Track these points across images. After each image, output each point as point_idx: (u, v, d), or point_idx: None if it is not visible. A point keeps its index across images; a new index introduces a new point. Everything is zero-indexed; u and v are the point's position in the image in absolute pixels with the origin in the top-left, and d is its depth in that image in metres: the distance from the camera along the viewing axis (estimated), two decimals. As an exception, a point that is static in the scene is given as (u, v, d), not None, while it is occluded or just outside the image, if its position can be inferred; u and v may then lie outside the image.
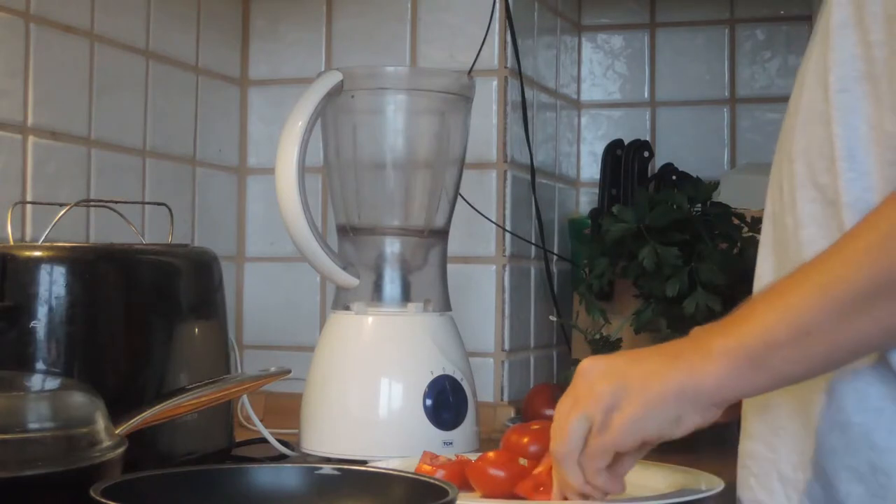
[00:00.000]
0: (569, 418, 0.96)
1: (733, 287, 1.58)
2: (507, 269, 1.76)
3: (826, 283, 0.85)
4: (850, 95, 0.91)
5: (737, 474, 1.02)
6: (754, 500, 0.99)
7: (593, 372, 0.96)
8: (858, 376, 0.90)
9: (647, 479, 1.15)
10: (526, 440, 1.18)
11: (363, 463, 1.16)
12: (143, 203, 1.59)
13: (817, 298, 0.85)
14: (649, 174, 1.94)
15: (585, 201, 2.09)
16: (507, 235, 1.76)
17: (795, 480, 0.95)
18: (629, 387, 0.93)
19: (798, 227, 0.94)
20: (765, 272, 1.01)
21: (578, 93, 2.11)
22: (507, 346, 1.75)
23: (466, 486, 1.11)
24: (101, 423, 0.92)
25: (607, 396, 0.94)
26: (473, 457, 1.15)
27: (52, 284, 1.12)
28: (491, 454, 1.12)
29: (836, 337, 0.85)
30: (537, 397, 1.58)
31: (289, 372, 1.19)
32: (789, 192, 0.96)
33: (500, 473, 1.09)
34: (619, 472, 0.97)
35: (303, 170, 1.35)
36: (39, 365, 1.10)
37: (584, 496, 0.98)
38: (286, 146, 1.35)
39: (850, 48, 0.91)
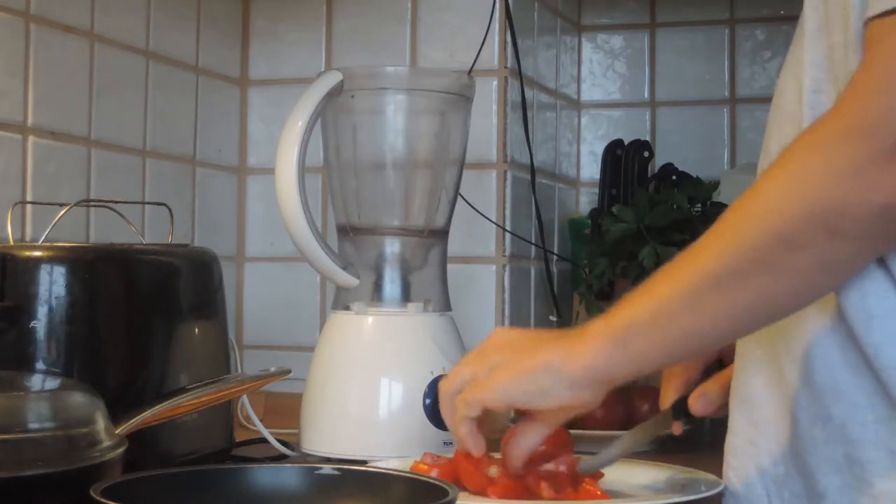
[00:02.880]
0: (460, 368, 1.05)
1: (733, 287, 1.58)
2: (507, 269, 1.76)
3: (681, 271, 0.90)
4: (823, 96, 0.93)
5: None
6: (734, 493, 1.00)
7: (496, 339, 1.05)
8: (835, 370, 0.91)
9: (648, 479, 1.16)
10: (526, 440, 1.18)
11: (363, 463, 1.16)
12: (143, 203, 1.59)
13: (673, 284, 0.90)
14: (649, 174, 1.94)
15: (585, 201, 2.09)
16: (507, 235, 1.76)
17: (775, 474, 0.96)
18: (512, 356, 1.00)
19: None
20: None
21: (578, 93, 2.11)
22: (507, 346, 1.75)
23: (462, 485, 1.10)
24: (101, 423, 0.92)
25: (493, 360, 1.01)
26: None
27: (52, 284, 1.12)
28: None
29: (686, 323, 0.90)
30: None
31: (289, 372, 1.19)
32: None
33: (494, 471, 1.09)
34: (485, 431, 1.04)
35: (303, 170, 1.35)
36: (39, 365, 1.10)
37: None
38: (286, 146, 1.35)
39: (821, 51, 0.93)
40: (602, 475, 1.14)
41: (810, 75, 0.93)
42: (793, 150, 0.87)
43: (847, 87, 0.85)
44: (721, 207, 1.70)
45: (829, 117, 0.85)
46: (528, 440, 1.03)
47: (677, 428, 1.16)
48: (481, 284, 1.75)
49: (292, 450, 1.40)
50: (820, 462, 0.92)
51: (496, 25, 1.76)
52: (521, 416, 1.04)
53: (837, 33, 0.91)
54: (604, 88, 2.11)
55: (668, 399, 1.16)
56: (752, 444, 0.99)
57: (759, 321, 0.91)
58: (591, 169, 2.09)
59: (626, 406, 1.53)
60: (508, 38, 1.76)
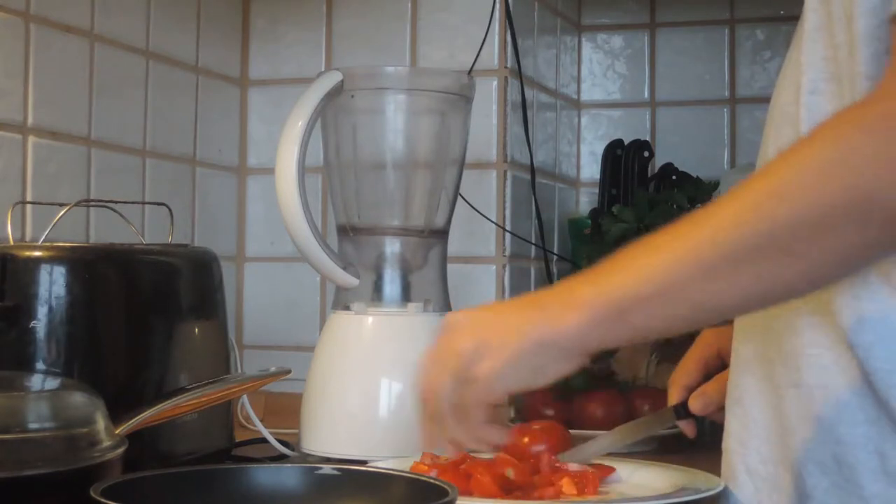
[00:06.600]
0: (436, 379, 0.96)
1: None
2: (507, 269, 1.76)
3: (691, 242, 0.85)
4: (819, 97, 0.92)
5: None
6: (728, 493, 1.01)
7: (455, 327, 0.97)
8: (825, 371, 0.91)
9: (647, 479, 1.16)
10: (526, 440, 1.18)
11: (363, 463, 1.16)
12: (143, 203, 1.59)
13: (683, 258, 0.85)
14: (649, 174, 1.94)
15: (585, 201, 2.09)
16: (507, 235, 1.76)
17: (765, 473, 0.97)
18: (490, 341, 0.93)
19: None
20: None
21: (578, 93, 2.11)
22: (507, 346, 1.75)
23: (461, 485, 1.10)
24: (101, 423, 0.92)
25: (469, 352, 0.94)
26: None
27: (52, 284, 1.12)
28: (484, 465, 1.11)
29: (699, 298, 0.85)
30: (537, 397, 1.58)
31: (289, 372, 1.19)
32: None
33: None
34: (501, 421, 1.00)
35: (303, 170, 1.35)
36: (39, 365, 1.10)
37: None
38: (286, 146, 1.35)
39: (820, 51, 0.92)
40: (613, 470, 1.15)
41: (807, 76, 0.93)
42: (834, 128, 0.82)
43: (888, 78, 0.81)
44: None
45: (874, 99, 0.81)
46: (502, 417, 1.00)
47: (690, 431, 1.18)
48: (481, 284, 1.75)
49: (292, 450, 1.40)
50: (806, 462, 0.92)
51: (496, 25, 1.75)
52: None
53: (840, 33, 0.90)
54: (604, 88, 2.11)
55: (673, 401, 1.17)
56: (743, 445, 0.99)
57: (771, 300, 0.87)
58: (591, 169, 2.09)
59: (626, 406, 1.53)
60: (508, 38, 1.76)
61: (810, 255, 0.81)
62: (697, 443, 1.36)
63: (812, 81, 0.92)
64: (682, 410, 1.17)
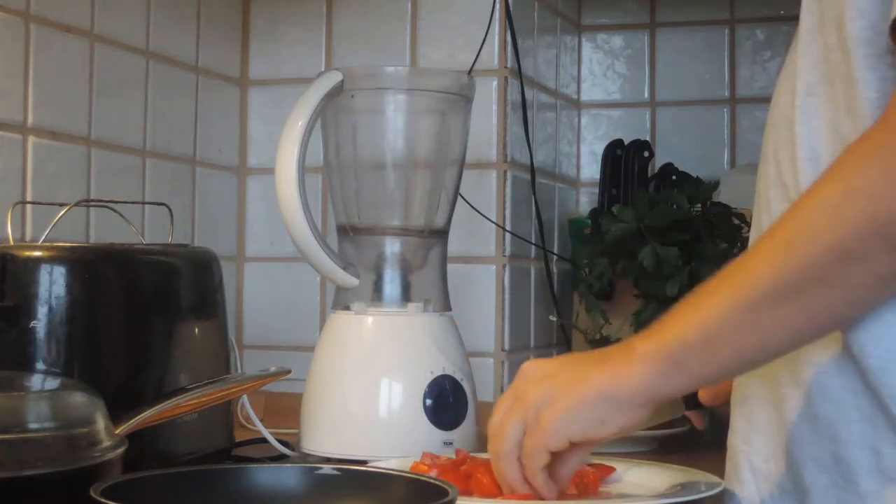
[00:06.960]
0: (506, 420, 1.00)
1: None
2: (507, 269, 1.76)
3: (733, 287, 0.89)
4: (815, 99, 0.93)
5: None
6: (731, 490, 1.02)
7: (529, 375, 1.01)
8: (822, 369, 0.92)
9: (647, 479, 1.16)
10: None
11: (363, 463, 1.16)
12: (143, 203, 1.59)
13: (724, 302, 0.89)
14: (649, 174, 1.94)
15: (585, 201, 2.09)
16: (507, 235, 1.76)
17: (767, 471, 0.98)
18: (556, 389, 0.97)
19: None
20: None
21: (578, 93, 2.11)
22: (507, 346, 1.75)
23: (461, 485, 1.10)
24: (101, 423, 0.92)
25: (537, 399, 0.98)
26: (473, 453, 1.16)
27: (52, 284, 1.12)
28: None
29: (742, 339, 0.88)
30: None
31: (289, 372, 1.19)
32: (764, 193, 0.99)
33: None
34: (559, 476, 1.00)
35: (303, 170, 1.35)
36: (39, 365, 1.10)
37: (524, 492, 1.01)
38: (286, 146, 1.35)
39: (815, 53, 0.93)
40: (613, 470, 1.15)
41: (803, 78, 0.94)
42: (847, 159, 0.85)
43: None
44: (721, 207, 1.70)
45: (882, 127, 0.83)
46: (574, 464, 1.01)
47: (698, 421, 1.20)
48: (481, 284, 1.75)
49: (292, 450, 1.40)
50: (806, 460, 0.93)
51: (496, 25, 1.75)
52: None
53: (831, 35, 0.91)
54: (604, 88, 2.11)
55: None
56: (748, 443, 1.00)
57: (819, 332, 0.89)
58: (591, 169, 2.08)
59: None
60: (508, 38, 1.76)
61: (847, 283, 0.84)
62: (698, 442, 1.36)
63: (808, 84, 0.93)
64: (692, 400, 1.19)
